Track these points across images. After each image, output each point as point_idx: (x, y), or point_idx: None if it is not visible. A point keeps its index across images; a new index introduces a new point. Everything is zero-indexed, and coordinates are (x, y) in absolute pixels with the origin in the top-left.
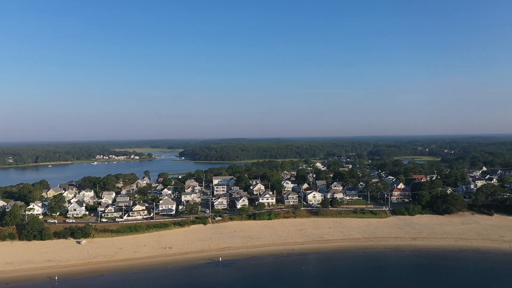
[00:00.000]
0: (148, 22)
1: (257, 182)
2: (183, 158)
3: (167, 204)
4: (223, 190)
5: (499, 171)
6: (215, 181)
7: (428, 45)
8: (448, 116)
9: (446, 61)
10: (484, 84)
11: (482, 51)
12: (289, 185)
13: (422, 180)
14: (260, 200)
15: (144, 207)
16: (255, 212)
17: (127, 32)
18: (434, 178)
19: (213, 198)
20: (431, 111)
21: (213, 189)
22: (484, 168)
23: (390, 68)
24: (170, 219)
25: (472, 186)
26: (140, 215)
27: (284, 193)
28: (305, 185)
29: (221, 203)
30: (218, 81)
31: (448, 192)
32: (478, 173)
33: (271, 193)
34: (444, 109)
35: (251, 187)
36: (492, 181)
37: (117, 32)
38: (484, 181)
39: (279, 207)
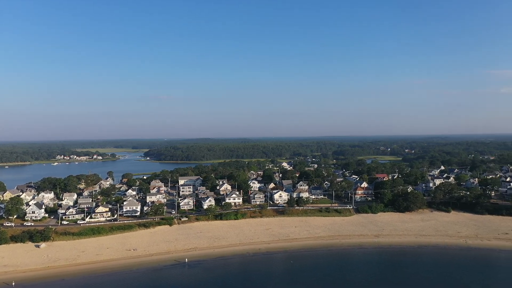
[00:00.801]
0: (110, 20)
1: (224, 182)
2: (148, 158)
3: (131, 205)
4: (189, 191)
5: (456, 170)
6: (181, 182)
7: (389, 48)
8: (408, 117)
9: (406, 64)
10: (443, 86)
11: (441, 55)
12: (255, 185)
13: (384, 179)
14: (227, 200)
15: (107, 209)
16: (222, 212)
17: (90, 29)
18: (396, 177)
19: (179, 199)
20: (392, 113)
21: (179, 190)
22: (442, 167)
23: (355, 69)
24: (135, 221)
25: (431, 185)
26: (103, 217)
27: (251, 193)
28: (272, 185)
29: (187, 203)
30: (184, 81)
31: (409, 190)
32: (436, 172)
33: (237, 193)
34: (404, 110)
35: (218, 187)
36: (450, 180)
37: (78, 30)
38: (442, 179)
39: (245, 207)
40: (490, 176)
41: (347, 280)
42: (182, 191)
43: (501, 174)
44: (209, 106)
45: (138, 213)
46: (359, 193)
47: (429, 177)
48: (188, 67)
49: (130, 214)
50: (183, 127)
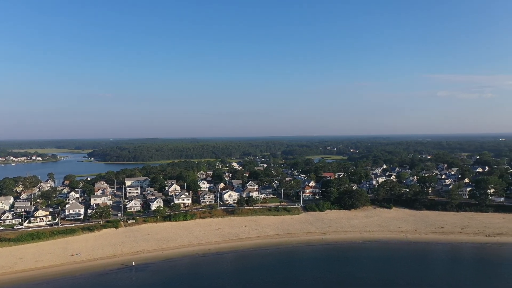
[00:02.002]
0: (50, 13)
1: (173, 182)
2: (92, 159)
3: (74, 208)
4: (136, 192)
5: (397, 168)
6: (128, 183)
7: (332, 53)
8: (354, 118)
9: (351, 67)
10: (384, 89)
11: (385, 59)
12: (205, 185)
13: (331, 178)
14: (176, 201)
15: (47, 212)
16: (171, 213)
17: (27, 24)
18: (342, 175)
19: (126, 200)
20: (339, 113)
21: (125, 191)
22: (385, 166)
23: (301, 70)
24: (78, 224)
25: (374, 183)
26: (43, 221)
27: (200, 193)
28: (222, 185)
29: (134, 205)
30: (130, 79)
31: (354, 188)
32: (379, 170)
33: (187, 193)
34: (349, 111)
35: (167, 188)
36: (391, 178)
37: (15, 24)
38: (384, 177)
39: (195, 207)
40: (428, 174)
41: (295, 277)
42: (129, 193)
43: (437, 172)
44: (157, 106)
45: (82, 216)
46: (307, 191)
47: (373, 176)
48: (132, 66)
49: (73, 218)
50: (130, 127)
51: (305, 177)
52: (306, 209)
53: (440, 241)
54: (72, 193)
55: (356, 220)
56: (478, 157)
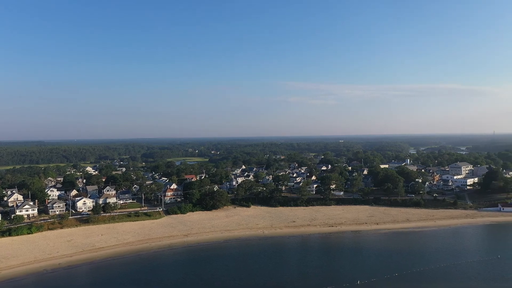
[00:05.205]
0: None
1: (13, 191)
2: None
3: None
4: None
5: (255, 168)
6: None
7: (205, 54)
8: (215, 120)
9: (214, 70)
10: (247, 92)
11: (241, 65)
12: (54, 193)
13: (193, 180)
14: (18, 213)
15: None
16: (11, 227)
17: None
18: (203, 177)
19: None
20: (200, 115)
21: None
22: (244, 167)
23: (159, 72)
24: None
25: (234, 183)
26: None
27: (49, 202)
28: (74, 192)
29: None
30: None
31: (215, 189)
32: (238, 171)
33: (31, 203)
34: (210, 113)
35: (6, 198)
36: (250, 178)
37: None
38: (243, 177)
39: (42, 218)
40: (281, 173)
41: (160, 281)
42: None
43: (289, 170)
44: None
45: None
46: (169, 194)
47: (233, 176)
48: None
49: None
50: None
51: (166, 180)
52: (168, 212)
53: (292, 234)
54: None
55: (218, 220)
56: (322, 156)
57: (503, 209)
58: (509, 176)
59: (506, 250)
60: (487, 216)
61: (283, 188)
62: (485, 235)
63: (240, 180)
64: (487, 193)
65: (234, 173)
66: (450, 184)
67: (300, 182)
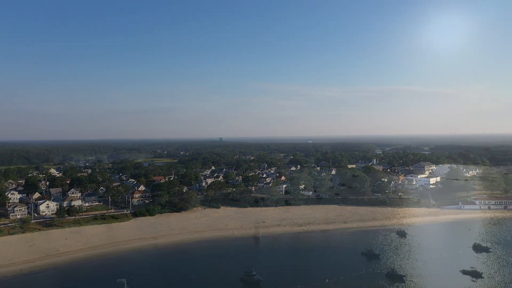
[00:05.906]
0: None
1: None
2: None
3: None
4: None
5: (224, 169)
6: None
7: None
8: (185, 122)
9: (181, 73)
10: (208, 94)
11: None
12: (15, 196)
13: (161, 181)
14: None
15: None
16: None
17: None
18: (172, 178)
19: None
20: (169, 116)
21: None
22: (213, 167)
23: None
24: None
25: (204, 184)
26: None
27: (9, 206)
28: (37, 195)
29: None
30: None
31: (184, 190)
32: (208, 172)
33: None
34: (178, 114)
35: None
36: (219, 178)
37: None
38: (213, 178)
39: (2, 222)
40: (251, 174)
41: (127, 285)
42: None
43: (259, 171)
44: None
45: None
46: (137, 196)
47: (202, 177)
48: None
49: None
50: None
51: (134, 181)
52: (136, 214)
53: (263, 235)
54: None
55: (187, 222)
56: (292, 157)
57: (463, 206)
58: (469, 175)
59: (466, 246)
60: (448, 214)
61: (253, 188)
62: (447, 232)
63: (209, 181)
64: (448, 191)
65: (203, 174)
66: (414, 183)
67: (269, 182)
